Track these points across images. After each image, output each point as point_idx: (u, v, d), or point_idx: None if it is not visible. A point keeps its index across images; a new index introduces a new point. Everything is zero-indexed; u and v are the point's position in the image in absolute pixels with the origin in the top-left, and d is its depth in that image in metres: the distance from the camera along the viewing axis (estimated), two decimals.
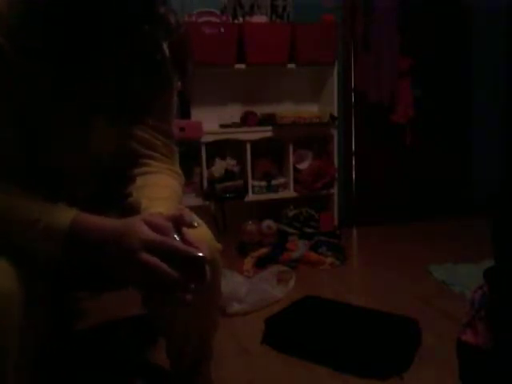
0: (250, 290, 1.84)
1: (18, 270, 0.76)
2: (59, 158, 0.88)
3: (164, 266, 0.70)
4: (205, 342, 1.08)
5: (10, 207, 0.77)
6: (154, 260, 0.70)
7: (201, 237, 0.81)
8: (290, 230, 2.69)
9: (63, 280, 1.00)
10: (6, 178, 0.80)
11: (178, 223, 0.75)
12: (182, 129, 2.43)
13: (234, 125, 2.71)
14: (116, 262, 0.74)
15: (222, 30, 2.49)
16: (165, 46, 0.94)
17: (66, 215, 0.76)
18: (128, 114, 0.93)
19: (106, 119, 0.90)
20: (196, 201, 2.56)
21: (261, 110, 2.78)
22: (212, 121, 2.68)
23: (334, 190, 2.85)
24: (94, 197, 0.90)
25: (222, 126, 2.70)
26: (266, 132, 2.68)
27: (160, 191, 0.92)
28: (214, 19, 2.56)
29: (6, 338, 0.74)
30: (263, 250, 2.43)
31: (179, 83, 1.03)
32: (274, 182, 2.74)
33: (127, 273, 0.73)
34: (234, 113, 2.78)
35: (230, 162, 2.68)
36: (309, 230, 2.72)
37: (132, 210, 0.89)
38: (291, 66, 2.67)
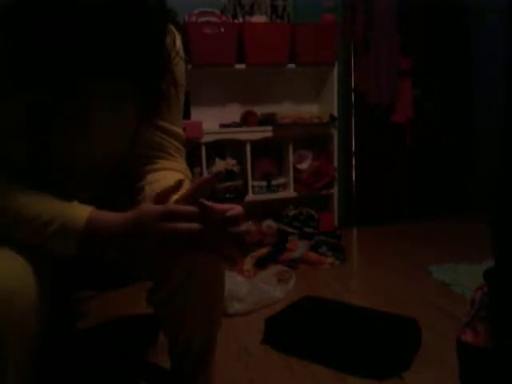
0: (250, 290, 1.84)
1: (32, 268, 0.76)
2: (60, 158, 0.88)
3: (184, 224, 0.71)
4: (208, 342, 1.08)
5: (24, 206, 0.78)
6: (173, 225, 0.71)
7: None
8: (290, 230, 2.69)
9: (65, 279, 1.00)
10: (17, 178, 0.80)
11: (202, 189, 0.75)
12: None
13: (233, 125, 2.71)
14: (137, 245, 0.74)
15: (222, 29, 2.49)
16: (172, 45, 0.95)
17: (81, 213, 0.77)
18: (120, 113, 0.93)
19: (106, 119, 0.90)
20: None
21: (261, 109, 2.79)
22: (212, 121, 2.68)
23: (334, 190, 2.85)
24: (100, 197, 0.90)
25: (222, 125, 2.70)
26: (266, 132, 2.67)
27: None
28: (214, 19, 2.56)
29: (9, 335, 0.74)
30: (263, 250, 2.43)
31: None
32: (274, 182, 2.74)
33: (147, 251, 0.74)
34: (233, 113, 2.78)
35: (230, 162, 2.68)
36: (309, 230, 2.72)
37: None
38: (291, 66, 2.67)
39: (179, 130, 1.02)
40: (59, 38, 0.77)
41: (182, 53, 0.98)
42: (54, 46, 0.77)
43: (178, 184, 0.76)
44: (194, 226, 0.71)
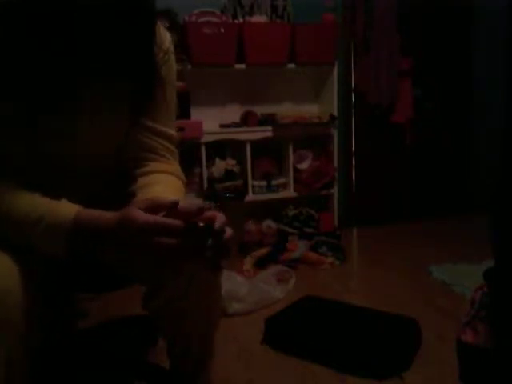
0: (250, 290, 1.84)
1: (20, 269, 0.76)
2: (46, 158, 0.88)
3: (163, 238, 0.71)
4: (207, 343, 1.08)
5: (12, 206, 0.78)
6: (154, 239, 0.71)
7: None
8: (290, 230, 2.69)
9: (62, 280, 1.00)
10: (6, 178, 0.80)
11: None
12: (181, 129, 2.43)
13: (233, 125, 2.71)
14: (121, 248, 0.75)
15: (222, 30, 2.49)
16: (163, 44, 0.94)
17: (68, 211, 0.77)
18: (114, 113, 0.92)
19: (91, 119, 0.89)
20: (196, 201, 2.56)
21: (261, 109, 2.79)
22: (212, 121, 2.68)
23: (334, 190, 2.85)
24: (94, 199, 0.90)
25: (222, 125, 2.70)
26: (266, 132, 2.67)
27: (164, 190, 0.91)
28: (214, 19, 2.56)
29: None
30: (263, 250, 2.43)
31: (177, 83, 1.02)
32: (273, 182, 2.74)
33: (131, 257, 0.75)
34: (233, 113, 2.78)
35: (230, 162, 2.68)
36: (309, 230, 2.71)
37: None
38: (291, 66, 2.67)
39: (172, 132, 1.00)
40: (56, 37, 0.77)
41: (172, 53, 0.97)
42: (50, 46, 0.77)
43: (173, 204, 0.76)
44: (172, 241, 0.71)
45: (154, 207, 0.75)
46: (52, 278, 0.89)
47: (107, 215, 0.77)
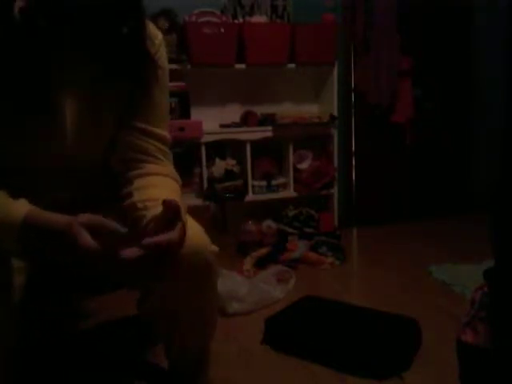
0: (250, 290, 1.83)
1: None
2: (35, 158, 0.88)
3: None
4: (204, 343, 1.08)
5: None
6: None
7: (194, 240, 0.81)
8: (290, 230, 2.69)
9: (60, 282, 1.00)
10: None
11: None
12: (181, 129, 2.43)
13: (233, 125, 2.71)
14: (68, 251, 0.75)
15: (222, 30, 2.49)
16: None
17: (20, 210, 0.77)
18: (101, 114, 0.92)
19: (82, 119, 0.89)
20: (196, 201, 2.56)
21: (261, 109, 2.79)
22: (212, 121, 2.68)
23: (334, 190, 2.85)
24: (82, 200, 0.89)
25: (222, 125, 2.70)
26: (266, 132, 2.67)
27: (161, 192, 0.91)
28: (214, 19, 2.56)
29: None
30: (263, 250, 2.42)
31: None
32: (273, 182, 2.74)
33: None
34: (233, 113, 2.78)
35: (230, 162, 2.67)
36: (309, 230, 2.71)
37: (133, 211, 0.89)
38: (291, 66, 2.67)
39: (164, 133, 0.99)
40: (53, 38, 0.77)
41: (164, 52, 0.97)
42: (47, 46, 0.77)
43: (116, 233, 0.77)
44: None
45: (97, 226, 0.75)
46: (47, 279, 0.89)
47: (55, 217, 0.76)
